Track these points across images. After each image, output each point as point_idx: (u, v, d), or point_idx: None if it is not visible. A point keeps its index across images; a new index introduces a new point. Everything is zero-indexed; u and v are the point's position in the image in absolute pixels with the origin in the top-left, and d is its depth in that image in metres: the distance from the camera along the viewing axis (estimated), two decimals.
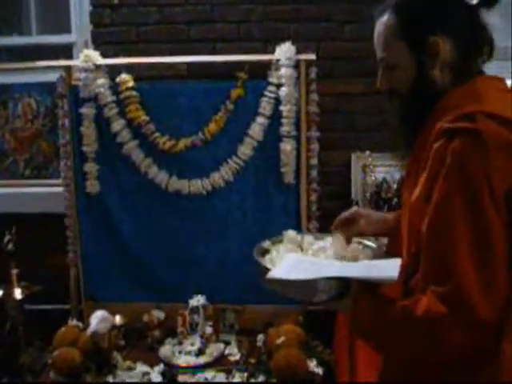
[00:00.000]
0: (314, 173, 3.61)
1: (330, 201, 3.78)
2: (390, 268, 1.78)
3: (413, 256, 1.66)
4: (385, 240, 2.20)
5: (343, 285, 1.69)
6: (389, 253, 2.02)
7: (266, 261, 1.94)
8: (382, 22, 1.74)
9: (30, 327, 3.68)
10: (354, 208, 2.20)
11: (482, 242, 1.48)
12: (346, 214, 2.14)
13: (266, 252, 2.06)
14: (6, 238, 3.61)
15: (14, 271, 3.64)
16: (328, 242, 2.07)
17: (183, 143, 3.61)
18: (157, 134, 3.62)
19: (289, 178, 3.59)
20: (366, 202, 3.73)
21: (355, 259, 1.95)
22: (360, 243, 2.08)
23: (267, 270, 1.78)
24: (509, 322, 1.50)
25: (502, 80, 1.76)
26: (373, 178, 3.73)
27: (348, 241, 2.06)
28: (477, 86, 1.66)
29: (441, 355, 1.54)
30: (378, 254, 2.01)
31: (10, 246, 3.61)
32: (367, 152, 3.75)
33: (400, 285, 1.72)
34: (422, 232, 1.58)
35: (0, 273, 3.64)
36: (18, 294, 3.65)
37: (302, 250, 2.07)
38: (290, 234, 2.14)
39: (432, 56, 1.67)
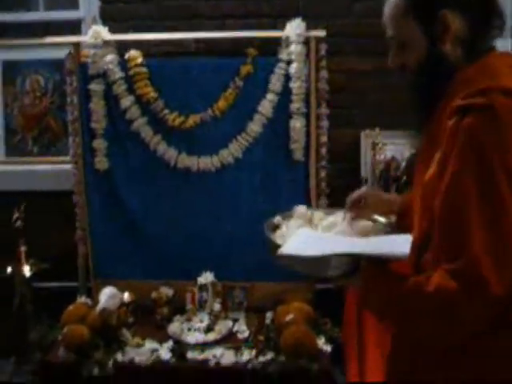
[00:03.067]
0: (324, 150, 3.60)
1: (339, 178, 3.76)
2: (400, 244, 1.77)
3: (425, 234, 1.65)
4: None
5: (354, 261, 1.69)
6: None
7: (276, 236, 1.94)
8: (391, 0, 1.73)
9: (39, 304, 3.69)
10: (364, 188, 2.20)
11: (495, 217, 1.46)
12: (355, 194, 2.13)
13: (276, 227, 2.05)
14: (15, 215, 3.63)
15: (23, 248, 3.66)
16: (338, 217, 2.06)
17: (192, 120, 3.59)
18: (166, 111, 3.61)
19: (298, 156, 3.57)
20: (375, 180, 3.72)
21: (366, 235, 1.94)
22: (371, 219, 2.07)
23: (277, 245, 1.78)
24: None
25: None
26: (382, 156, 3.72)
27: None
28: (490, 62, 1.64)
29: (451, 331, 1.53)
30: (389, 230, 2.00)
31: (19, 224, 3.63)
32: (377, 130, 3.73)
33: (411, 263, 1.71)
34: (436, 210, 1.57)
35: (9, 250, 3.66)
36: (26, 271, 3.67)
37: (311, 225, 2.07)
38: (300, 209, 2.14)
39: (442, 31, 1.64)
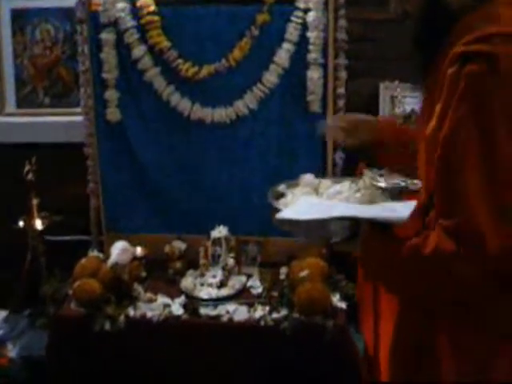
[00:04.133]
0: (341, 102, 3.52)
1: None
2: (400, 209, 1.71)
3: (430, 191, 1.58)
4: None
5: (355, 226, 1.64)
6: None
7: (280, 204, 1.90)
8: None
9: (51, 258, 3.67)
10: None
11: (494, 172, 1.38)
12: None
13: (280, 196, 2.00)
14: (26, 167, 3.59)
15: (34, 201, 3.64)
16: (345, 185, 2.01)
17: (206, 70, 3.52)
18: (179, 61, 3.53)
19: (315, 107, 3.50)
20: None
21: (370, 203, 1.90)
22: (378, 188, 2.01)
23: (277, 210, 1.76)
24: None
25: None
26: (401, 109, 3.64)
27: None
28: (495, 8, 1.53)
29: (452, 293, 1.48)
30: (396, 198, 1.94)
31: (30, 176, 3.59)
32: (396, 82, 3.65)
33: (418, 222, 1.66)
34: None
35: (20, 203, 3.63)
36: (38, 224, 3.66)
37: (317, 193, 2.02)
38: (308, 177, 2.09)
39: None
